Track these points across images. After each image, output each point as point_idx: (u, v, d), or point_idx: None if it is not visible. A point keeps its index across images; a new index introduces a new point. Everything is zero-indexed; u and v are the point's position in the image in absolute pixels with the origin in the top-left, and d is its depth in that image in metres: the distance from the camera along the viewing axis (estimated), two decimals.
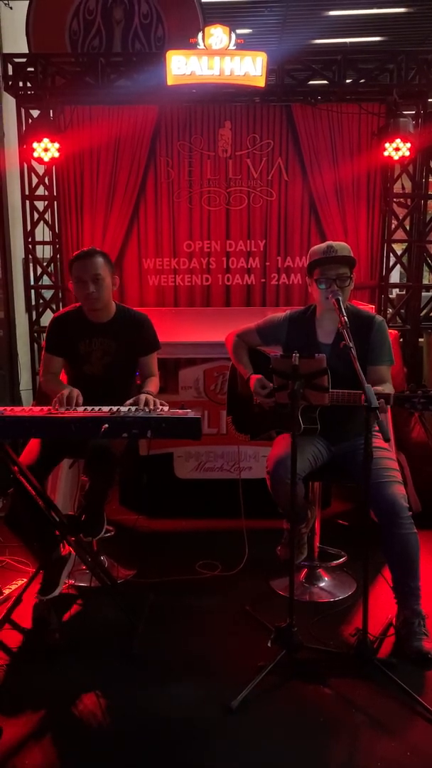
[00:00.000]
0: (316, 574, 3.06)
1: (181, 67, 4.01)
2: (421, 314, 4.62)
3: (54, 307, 4.59)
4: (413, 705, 2.21)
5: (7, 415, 2.41)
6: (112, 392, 2.74)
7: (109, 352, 2.87)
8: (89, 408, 2.53)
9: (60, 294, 4.59)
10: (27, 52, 4.69)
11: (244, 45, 4.07)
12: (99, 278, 2.78)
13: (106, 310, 2.88)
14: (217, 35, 4.01)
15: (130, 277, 4.54)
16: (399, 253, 4.72)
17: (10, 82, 4.33)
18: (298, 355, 2.35)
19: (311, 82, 4.42)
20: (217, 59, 4.00)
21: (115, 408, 2.46)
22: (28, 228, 4.54)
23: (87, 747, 2.08)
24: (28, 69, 4.31)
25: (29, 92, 4.35)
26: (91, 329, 2.88)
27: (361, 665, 2.34)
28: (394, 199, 4.57)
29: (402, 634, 2.54)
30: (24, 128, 4.40)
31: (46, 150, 4.15)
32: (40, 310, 4.66)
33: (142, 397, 2.56)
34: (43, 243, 4.59)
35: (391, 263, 4.59)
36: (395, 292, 5.15)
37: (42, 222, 4.55)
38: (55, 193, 4.51)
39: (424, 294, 4.71)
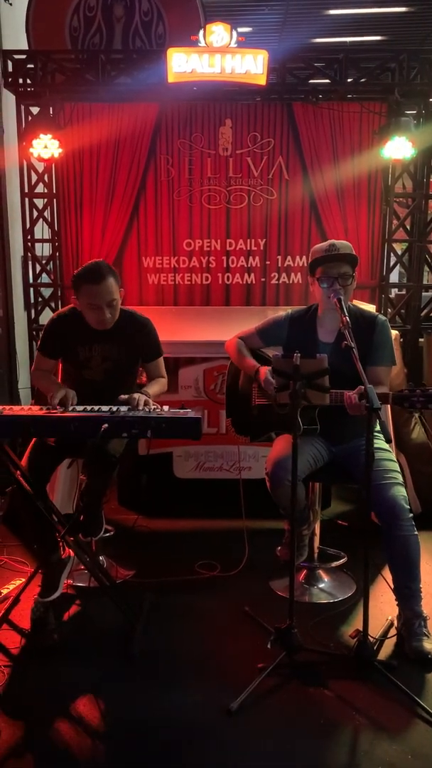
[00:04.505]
0: (315, 575, 3.05)
1: (182, 64, 3.99)
2: (422, 314, 4.61)
3: (53, 305, 4.57)
4: (414, 707, 2.20)
5: (6, 414, 2.40)
6: (113, 396, 2.71)
7: (109, 357, 2.80)
8: (89, 408, 2.51)
9: (59, 292, 4.58)
10: (27, 48, 4.66)
11: (244, 43, 4.05)
12: (114, 302, 2.68)
13: None
14: (219, 33, 3.99)
15: (129, 275, 4.52)
16: (399, 252, 4.71)
17: (9, 79, 4.31)
18: (299, 355, 2.33)
19: (312, 81, 4.41)
20: (219, 57, 3.98)
21: (114, 408, 2.44)
22: (27, 226, 4.52)
23: (85, 749, 2.06)
24: (28, 66, 4.29)
25: (29, 89, 4.33)
26: (91, 335, 2.77)
27: (361, 667, 2.32)
28: (395, 199, 4.55)
29: (403, 635, 2.54)
30: (24, 125, 4.37)
31: (45, 147, 4.13)
32: (39, 308, 4.64)
33: (136, 396, 2.53)
34: (42, 241, 4.57)
35: (391, 263, 4.58)
36: (394, 291, 5.14)
37: (41, 220, 4.53)
38: (54, 191, 4.49)
39: (424, 294, 4.69)
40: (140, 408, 2.48)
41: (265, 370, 2.73)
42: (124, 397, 2.53)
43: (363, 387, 2.28)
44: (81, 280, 2.67)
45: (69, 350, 2.83)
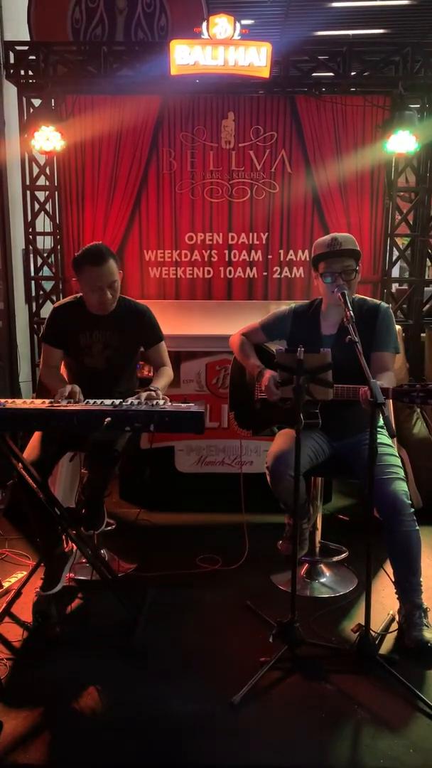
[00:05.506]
0: (317, 570, 3.06)
1: (185, 56, 3.97)
2: (424, 309, 4.60)
3: (54, 298, 4.56)
4: (415, 701, 2.20)
5: (8, 408, 2.39)
6: (114, 384, 2.72)
7: (110, 344, 2.83)
8: (92, 402, 2.50)
9: (60, 285, 4.57)
10: (29, 40, 4.63)
11: (248, 36, 4.02)
12: (115, 284, 2.73)
13: None
14: (222, 25, 3.97)
15: (131, 268, 4.50)
16: (402, 247, 4.69)
17: (11, 71, 4.29)
18: (302, 349, 2.32)
19: (315, 74, 4.38)
20: (222, 49, 3.96)
21: (117, 401, 2.44)
22: (29, 218, 4.50)
23: (87, 742, 2.06)
24: (30, 57, 4.27)
25: (31, 81, 4.31)
26: (91, 321, 2.82)
27: (362, 661, 2.33)
28: (398, 193, 4.53)
29: (404, 628, 2.55)
30: (25, 117, 4.36)
31: (47, 140, 4.12)
32: (40, 301, 4.63)
33: (144, 395, 2.53)
34: (44, 234, 4.56)
35: (393, 258, 4.56)
36: (395, 286, 5.12)
37: (43, 212, 4.51)
38: (56, 184, 4.47)
39: (426, 289, 4.68)
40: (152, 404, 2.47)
41: (268, 376, 2.72)
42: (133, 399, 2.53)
43: (379, 382, 2.28)
44: (82, 262, 2.71)
45: (71, 337, 2.84)
